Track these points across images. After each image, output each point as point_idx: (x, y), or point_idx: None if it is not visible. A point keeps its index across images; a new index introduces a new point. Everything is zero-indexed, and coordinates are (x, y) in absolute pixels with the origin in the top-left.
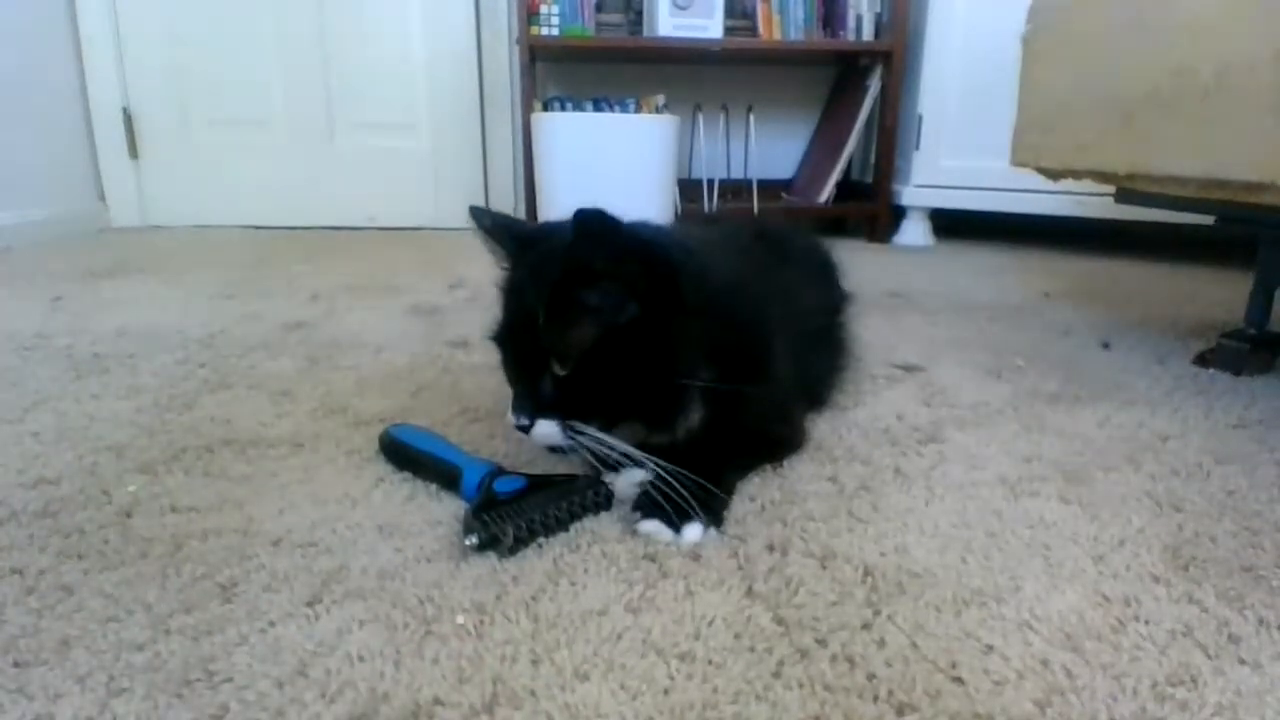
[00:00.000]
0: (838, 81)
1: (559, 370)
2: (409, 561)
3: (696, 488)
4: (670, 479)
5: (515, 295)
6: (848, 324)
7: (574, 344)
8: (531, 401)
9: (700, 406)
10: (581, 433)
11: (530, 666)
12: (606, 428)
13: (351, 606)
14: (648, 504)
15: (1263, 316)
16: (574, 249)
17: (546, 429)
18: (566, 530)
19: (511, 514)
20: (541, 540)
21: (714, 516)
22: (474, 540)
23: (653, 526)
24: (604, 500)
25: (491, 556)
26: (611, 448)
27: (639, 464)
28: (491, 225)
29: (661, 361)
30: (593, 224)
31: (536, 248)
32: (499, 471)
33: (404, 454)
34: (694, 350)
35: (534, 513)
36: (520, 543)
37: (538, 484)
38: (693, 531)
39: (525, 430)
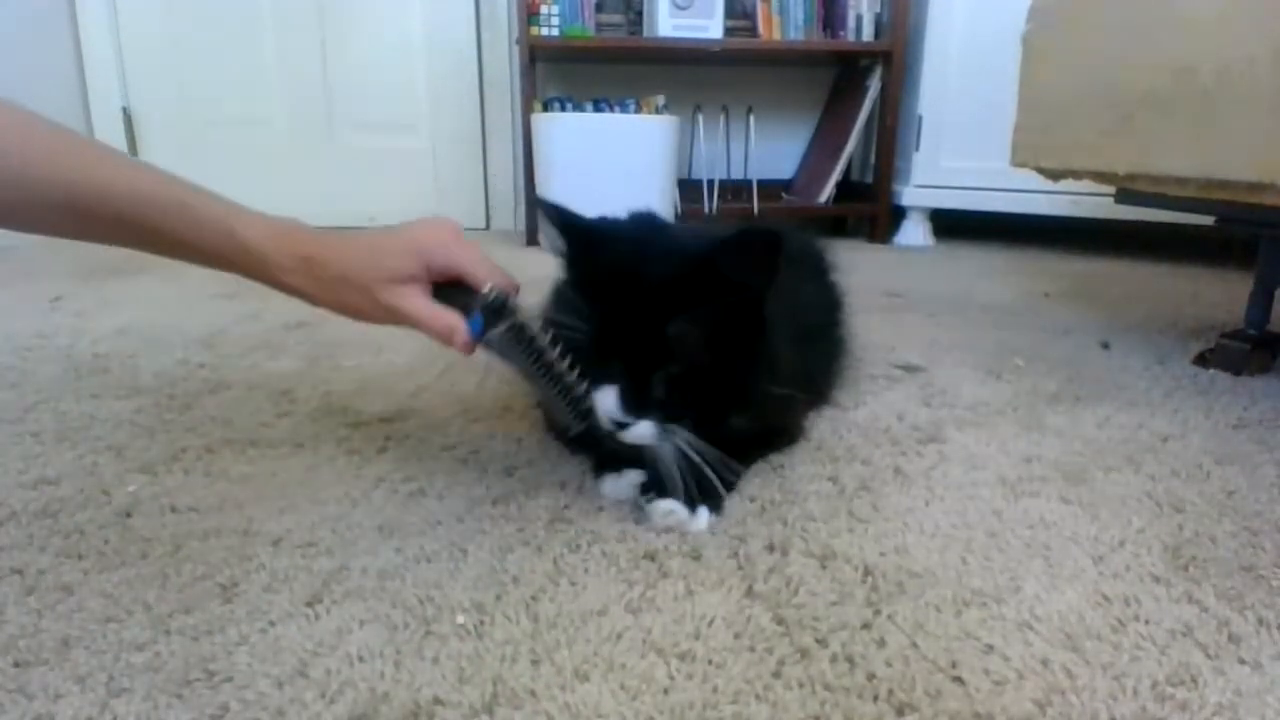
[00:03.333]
0: (838, 82)
1: (671, 368)
2: (409, 561)
3: (716, 463)
4: (693, 459)
5: (620, 286)
6: (846, 322)
7: (696, 342)
8: (638, 398)
9: (756, 414)
10: (674, 433)
11: (530, 666)
12: (693, 429)
13: (351, 606)
14: (658, 484)
15: (1263, 316)
16: (732, 259)
17: (646, 429)
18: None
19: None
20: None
21: (717, 503)
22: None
23: (670, 504)
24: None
25: (491, 557)
26: (701, 451)
27: (712, 468)
28: (558, 217)
29: (750, 366)
30: (763, 243)
31: (616, 238)
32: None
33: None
34: (773, 360)
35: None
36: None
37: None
38: (704, 516)
39: (624, 427)
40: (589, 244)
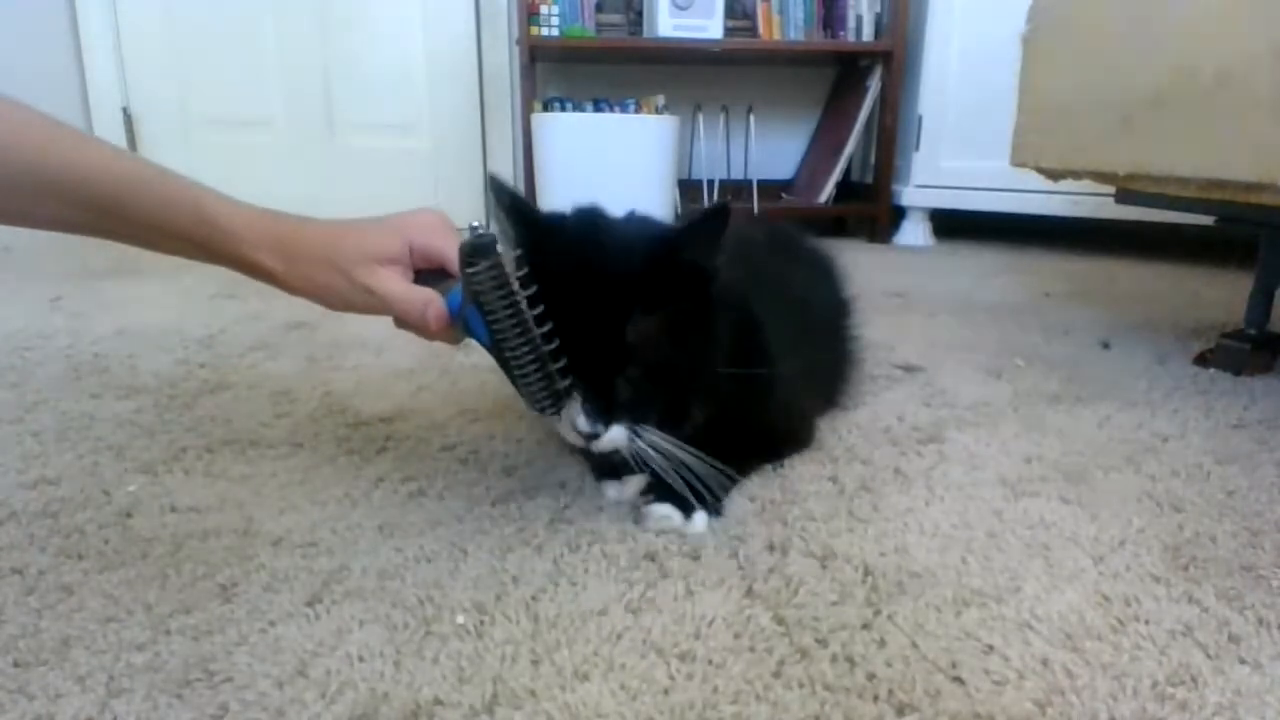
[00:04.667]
0: (838, 82)
1: (632, 371)
2: (409, 561)
3: (708, 475)
4: (685, 465)
5: (572, 287)
6: (855, 329)
7: (656, 340)
8: (606, 404)
9: (713, 401)
10: (642, 435)
11: (530, 666)
12: (661, 428)
13: (351, 606)
14: (660, 489)
15: (1263, 317)
16: (687, 241)
17: (617, 435)
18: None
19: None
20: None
21: (717, 505)
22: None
23: (665, 510)
24: None
25: (491, 557)
26: (676, 446)
27: (692, 463)
28: (511, 205)
29: (707, 354)
30: (718, 219)
31: (566, 235)
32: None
33: None
34: (726, 341)
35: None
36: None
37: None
38: (700, 520)
39: (595, 438)
40: (541, 239)
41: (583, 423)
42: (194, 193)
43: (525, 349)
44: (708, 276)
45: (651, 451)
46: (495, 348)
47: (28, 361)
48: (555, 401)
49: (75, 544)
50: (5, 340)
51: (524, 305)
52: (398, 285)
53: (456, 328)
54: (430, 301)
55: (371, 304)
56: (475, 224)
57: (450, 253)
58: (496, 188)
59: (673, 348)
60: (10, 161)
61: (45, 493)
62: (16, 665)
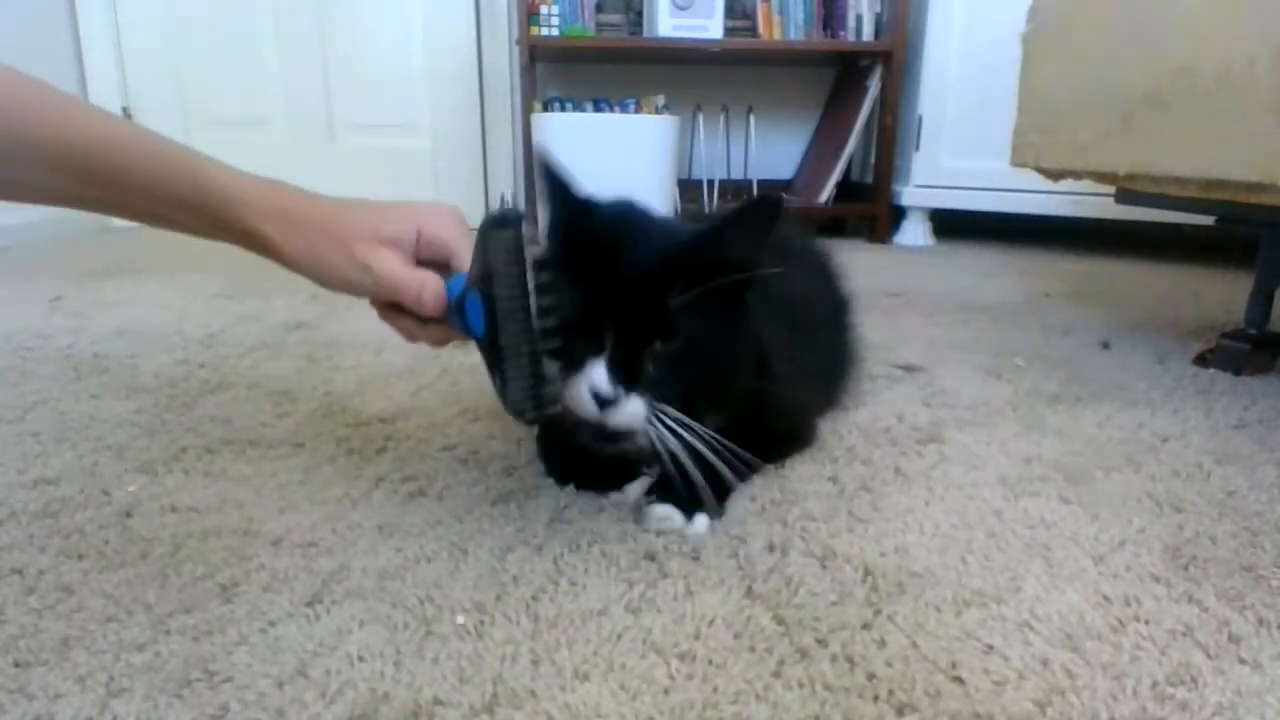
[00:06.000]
0: (838, 82)
1: (661, 345)
2: (409, 561)
3: (711, 475)
4: (701, 456)
5: (616, 257)
6: (854, 327)
7: (696, 315)
8: (631, 371)
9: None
10: (664, 416)
11: (530, 666)
12: (683, 412)
13: (351, 606)
14: (661, 489)
15: (1263, 317)
16: (734, 230)
17: (636, 408)
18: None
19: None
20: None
21: (720, 501)
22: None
23: (666, 510)
24: None
25: (491, 557)
26: (695, 433)
27: (712, 452)
28: (560, 182)
29: (739, 346)
30: (768, 212)
31: (610, 211)
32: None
33: None
34: (752, 343)
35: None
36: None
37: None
38: (701, 522)
39: (609, 404)
40: (585, 214)
41: (603, 381)
42: (194, 159)
43: (522, 339)
44: (749, 268)
45: (670, 438)
46: (490, 338)
47: (28, 361)
48: (539, 406)
49: (75, 544)
50: (5, 340)
51: (532, 289)
52: (396, 265)
53: (449, 322)
54: (428, 281)
55: (367, 283)
56: (505, 195)
57: (457, 246)
58: (545, 164)
59: (709, 328)
60: (4, 129)
61: (45, 493)
62: (16, 665)
